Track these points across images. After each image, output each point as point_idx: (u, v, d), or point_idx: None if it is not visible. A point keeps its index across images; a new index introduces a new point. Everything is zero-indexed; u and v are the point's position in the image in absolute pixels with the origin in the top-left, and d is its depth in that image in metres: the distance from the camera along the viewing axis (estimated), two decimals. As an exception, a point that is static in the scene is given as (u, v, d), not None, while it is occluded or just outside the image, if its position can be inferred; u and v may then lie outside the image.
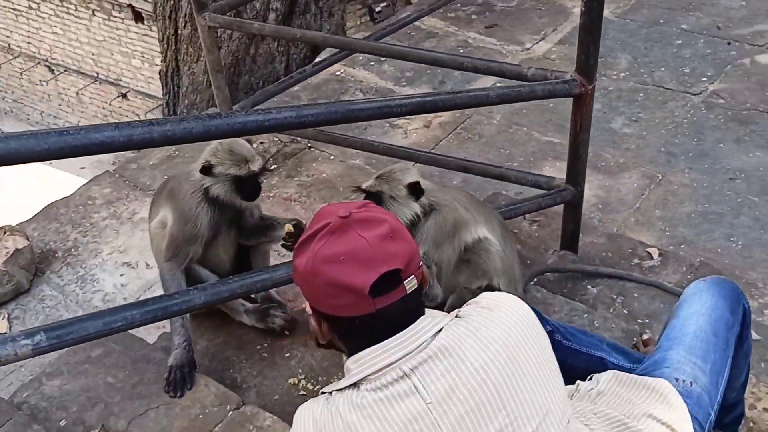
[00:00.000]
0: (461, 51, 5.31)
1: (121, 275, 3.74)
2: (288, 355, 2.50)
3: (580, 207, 3.17)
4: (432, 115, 4.73)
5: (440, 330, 1.50)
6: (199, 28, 3.85)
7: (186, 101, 5.82)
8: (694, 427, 1.78)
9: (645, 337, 2.71)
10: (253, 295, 2.66)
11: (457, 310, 1.61)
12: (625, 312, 3.02)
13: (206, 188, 2.46)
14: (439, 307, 2.41)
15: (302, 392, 2.39)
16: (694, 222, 3.79)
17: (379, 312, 1.45)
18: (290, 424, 2.27)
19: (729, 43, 5.03)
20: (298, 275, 1.54)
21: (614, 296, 3.08)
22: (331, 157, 4.46)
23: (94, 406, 2.33)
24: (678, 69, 4.88)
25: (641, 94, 4.72)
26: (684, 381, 1.83)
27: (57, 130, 1.38)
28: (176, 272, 2.47)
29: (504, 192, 3.81)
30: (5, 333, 3.35)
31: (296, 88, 4.79)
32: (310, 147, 4.53)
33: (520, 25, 5.57)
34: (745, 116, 4.41)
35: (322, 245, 1.48)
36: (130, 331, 2.46)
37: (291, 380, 2.41)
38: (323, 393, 1.60)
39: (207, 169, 2.43)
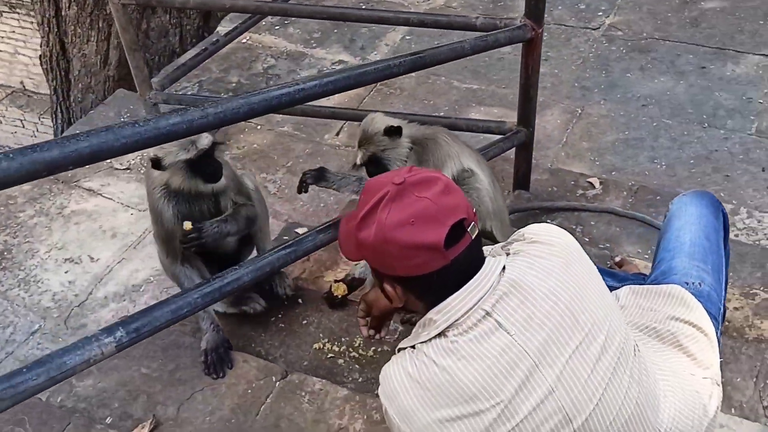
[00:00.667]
0: (363, 6, 5.31)
1: (66, 272, 3.58)
2: (305, 322, 2.52)
3: (531, 147, 3.31)
4: (350, 73, 4.73)
5: (504, 268, 1.60)
6: (112, 7, 3.66)
7: (80, 85, 5.52)
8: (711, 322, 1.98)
9: (617, 259, 2.92)
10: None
11: (503, 247, 1.72)
12: (587, 240, 3.21)
13: (167, 182, 2.36)
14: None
15: (330, 355, 2.42)
16: (619, 149, 4.03)
17: (453, 262, 1.54)
18: (338, 384, 2.32)
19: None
20: (367, 248, 1.60)
21: (573, 227, 3.26)
22: (258, 127, 4.40)
23: (136, 398, 2.27)
24: (574, 6, 5.10)
25: (545, 34, 4.89)
26: (693, 283, 2.01)
27: (128, 122, 1.32)
28: (177, 267, 2.42)
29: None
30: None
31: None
32: (233, 119, 4.43)
33: (416, -25, 5.63)
34: (643, 45, 4.69)
35: (387, 214, 1.54)
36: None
37: (315, 345, 2.43)
38: (402, 349, 1.67)
39: (156, 163, 2.30)
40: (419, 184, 1.56)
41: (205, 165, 2.31)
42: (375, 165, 2.40)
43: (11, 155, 1.26)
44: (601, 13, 5.02)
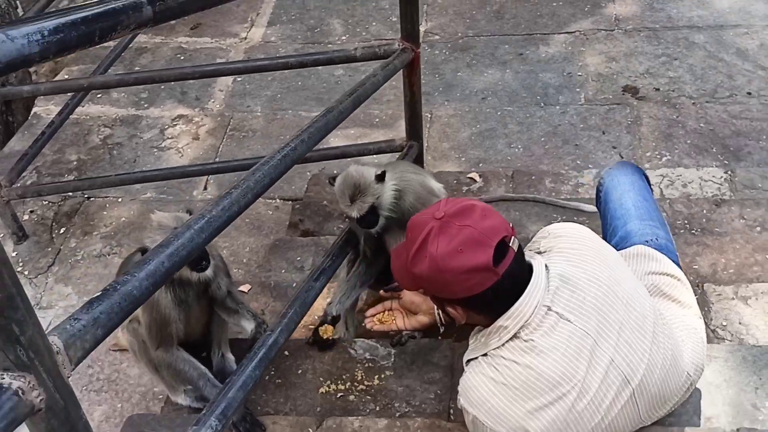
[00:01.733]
0: (182, 58, 5.21)
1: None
2: (300, 371, 2.48)
3: (423, 158, 3.48)
4: (196, 125, 4.65)
5: (546, 267, 1.77)
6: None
7: None
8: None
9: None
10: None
11: (531, 247, 1.88)
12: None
13: None
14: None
15: (339, 394, 2.41)
16: (477, 142, 4.32)
17: (504, 275, 1.68)
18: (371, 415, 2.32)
19: (413, -13, 5.62)
20: (423, 279, 1.74)
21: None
22: (119, 200, 4.18)
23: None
24: (387, 20, 5.36)
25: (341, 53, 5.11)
26: (652, 240, 2.28)
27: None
28: (174, 353, 2.30)
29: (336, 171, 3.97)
30: None
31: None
32: (88, 198, 4.19)
33: (223, 17, 5.59)
34: (462, 44, 5.04)
35: (437, 247, 1.68)
36: None
37: (321, 390, 2.41)
38: (472, 360, 1.80)
39: (145, 253, 2.23)
40: (459, 215, 1.69)
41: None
42: (370, 215, 2.43)
43: None
44: (413, 22, 5.30)
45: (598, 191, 2.52)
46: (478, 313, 1.78)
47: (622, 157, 4.06)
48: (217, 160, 4.40)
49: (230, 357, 2.57)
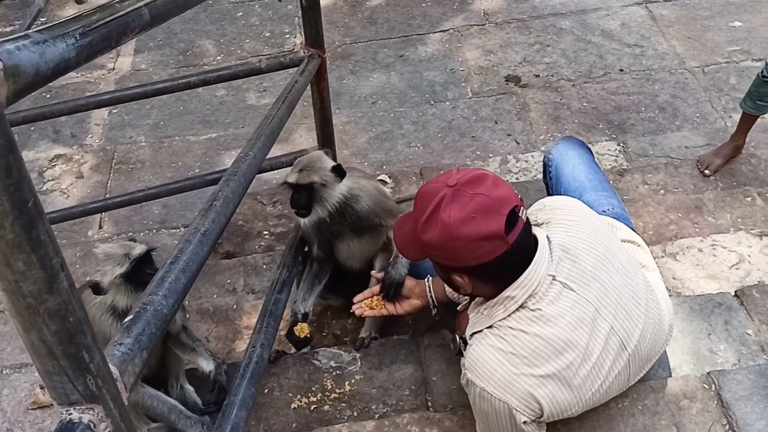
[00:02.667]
0: (47, 96, 4.85)
1: None
2: (266, 390, 2.34)
3: (336, 164, 3.43)
4: (77, 163, 4.36)
5: (548, 238, 1.79)
6: None
7: None
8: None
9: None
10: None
11: (529, 217, 1.89)
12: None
13: (112, 304, 2.10)
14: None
15: (313, 406, 2.30)
16: (376, 145, 4.32)
17: (513, 245, 1.67)
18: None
19: (280, 1, 5.58)
20: (433, 247, 1.71)
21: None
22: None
23: None
24: (260, 36, 5.27)
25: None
26: (608, 210, 2.35)
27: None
28: (139, 390, 2.10)
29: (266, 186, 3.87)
30: None
31: None
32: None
33: (84, 50, 5.29)
34: (341, 52, 5.04)
35: (449, 213, 1.65)
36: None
37: (292, 406, 2.29)
38: (476, 333, 1.78)
39: (96, 288, 2.06)
40: (471, 183, 1.66)
41: (145, 275, 2.05)
42: (305, 194, 2.35)
43: None
44: (288, 35, 5.25)
45: (547, 166, 2.57)
46: (485, 283, 1.76)
47: (519, 143, 4.19)
48: (107, 195, 4.14)
49: (189, 388, 2.41)
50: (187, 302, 2.93)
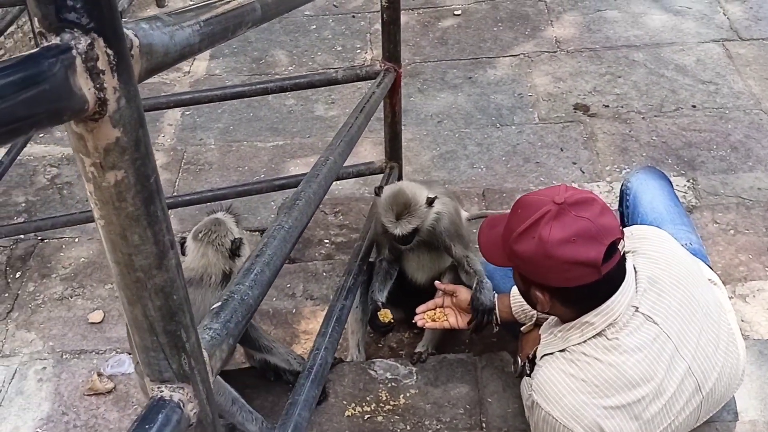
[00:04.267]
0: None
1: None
2: (322, 395, 2.36)
3: (402, 179, 3.44)
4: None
5: (634, 268, 1.76)
6: None
7: None
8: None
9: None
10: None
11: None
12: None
13: (226, 276, 2.19)
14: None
15: (367, 416, 2.31)
16: (439, 164, 4.33)
17: (604, 276, 1.65)
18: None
19: (353, 16, 5.65)
20: (522, 259, 1.71)
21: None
22: (75, 240, 3.94)
23: None
24: (332, 49, 5.34)
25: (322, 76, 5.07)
26: (687, 244, 2.30)
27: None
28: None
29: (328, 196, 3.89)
30: None
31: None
32: (42, 240, 3.93)
33: (160, 52, 5.43)
34: (411, 70, 5.07)
35: (550, 231, 1.64)
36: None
37: (346, 413, 2.29)
38: (547, 355, 1.75)
39: (239, 248, 2.17)
40: (578, 205, 1.65)
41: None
42: (412, 236, 2.37)
43: None
44: (359, 50, 5.31)
45: (625, 194, 2.54)
46: (565, 305, 1.75)
47: (584, 173, 4.15)
48: (174, 194, 4.23)
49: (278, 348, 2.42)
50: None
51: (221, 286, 2.13)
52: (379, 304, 2.48)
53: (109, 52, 0.71)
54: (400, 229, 2.32)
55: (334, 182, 3.68)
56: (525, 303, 2.15)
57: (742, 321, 2.78)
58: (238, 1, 1.09)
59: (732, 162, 4.14)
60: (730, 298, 2.86)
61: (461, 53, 5.17)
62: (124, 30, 0.77)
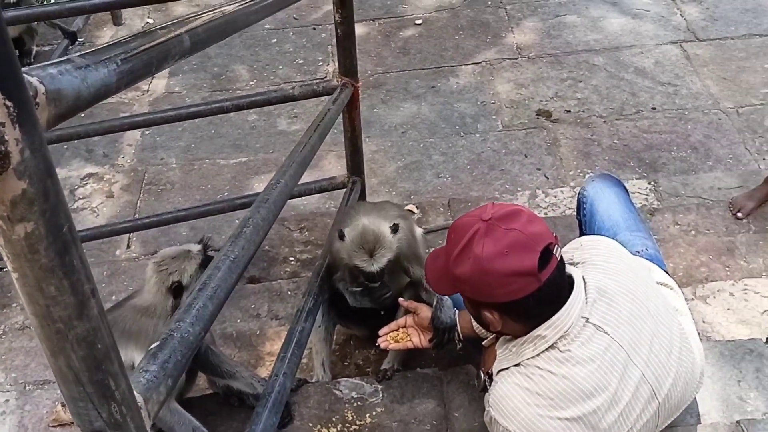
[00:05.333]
0: (82, 115, 4.94)
1: None
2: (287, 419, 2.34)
3: (365, 194, 3.43)
4: (108, 183, 4.42)
5: (584, 279, 1.76)
6: None
7: None
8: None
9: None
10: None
11: (565, 258, 1.86)
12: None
13: (171, 310, 2.13)
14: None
15: None
16: (405, 175, 4.32)
17: (546, 283, 1.65)
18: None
19: (314, 28, 5.63)
20: (465, 282, 1.70)
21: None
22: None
23: None
24: (293, 62, 5.32)
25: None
26: (641, 251, 2.31)
27: None
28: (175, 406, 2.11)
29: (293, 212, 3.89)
30: None
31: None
32: (1, 269, 3.86)
33: (120, 71, 5.37)
34: (373, 81, 5.06)
35: (482, 248, 1.64)
36: None
37: (317, 434, 2.28)
38: (503, 370, 1.76)
39: (179, 289, 2.12)
40: (505, 218, 1.65)
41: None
42: (383, 271, 2.35)
43: None
44: (321, 63, 5.29)
45: (581, 202, 2.54)
46: (516, 321, 1.74)
47: (548, 178, 4.16)
48: (136, 216, 4.18)
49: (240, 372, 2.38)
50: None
51: (171, 316, 2.10)
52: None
53: (8, 103, 0.68)
54: (376, 265, 2.31)
55: (299, 198, 3.68)
56: None
57: (704, 322, 2.80)
58: (162, 34, 1.06)
59: (692, 162, 4.18)
60: (691, 299, 2.88)
61: (423, 63, 5.17)
62: (28, 78, 0.74)
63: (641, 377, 1.75)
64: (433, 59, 5.18)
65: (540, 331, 1.72)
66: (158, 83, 5.23)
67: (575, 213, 2.75)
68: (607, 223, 2.42)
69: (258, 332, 2.90)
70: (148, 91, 5.16)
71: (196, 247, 2.23)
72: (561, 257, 1.72)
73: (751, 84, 4.68)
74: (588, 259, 1.88)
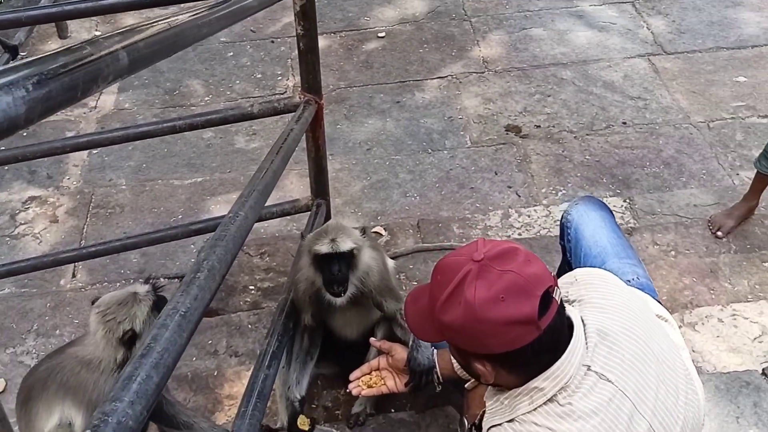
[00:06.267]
0: (24, 134, 4.65)
1: None
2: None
3: (330, 216, 3.21)
4: (52, 206, 4.12)
5: (582, 320, 1.57)
6: None
7: None
8: None
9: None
10: None
11: (561, 295, 1.66)
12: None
13: (119, 363, 1.88)
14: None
15: None
16: (370, 195, 4.11)
17: (546, 330, 1.46)
18: None
19: (273, 41, 5.40)
20: (453, 330, 1.50)
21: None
22: (-30, 301, 3.57)
23: None
24: (251, 77, 5.08)
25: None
26: (632, 280, 2.14)
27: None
28: None
29: (253, 236, 3.63)
30: None
31: None
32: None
33: (66, 86, 5.08)
34: (336, 96, 4.85)
35: (474, 292, 1.44)
36: None
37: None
38: (494, 426, 1.57)
39: (133, 339, 1.90)
40: (499, 258, 1.45)
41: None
42: (344, 265, 2.15)
43: None
44: (280, 77, 5.07)
45: (565, 227, 2.36)
46: (510, 372, 1.53)
47: (520, 197, 4.00)
48: (83, 242, 3.90)
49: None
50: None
51: (117, 370, 1.86)
52: (296, 405, 2.23)
53: None
54: (336, 245, 2.09)
55: (260, 222, 3.44)
56: None
57: (693, 351, 2.64)
58: (92, 51, 0.84)
59: (666, 179, 4.05)
60: (679, 326, 2.72)
61: (387, 77, 4.98)
62: None
63: (648, 429, 1.56)
64: (398, 73, 5.00)
65: (537, 382, 1.51)
66: (107, 99, 4.94)
67: (557, 237, 2.57)
68: (593, 249, 2.24)
69: (216, 372, 2.66)
70: (95, 107, 4.88)
71: (143, 288, 1.99)
72: (561, 301, 1.52)
73: (720, 97, 4.59)
74: (585, 296, 1.68)
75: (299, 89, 2.90)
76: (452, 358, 2.01)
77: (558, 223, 3.54)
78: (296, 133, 2.45)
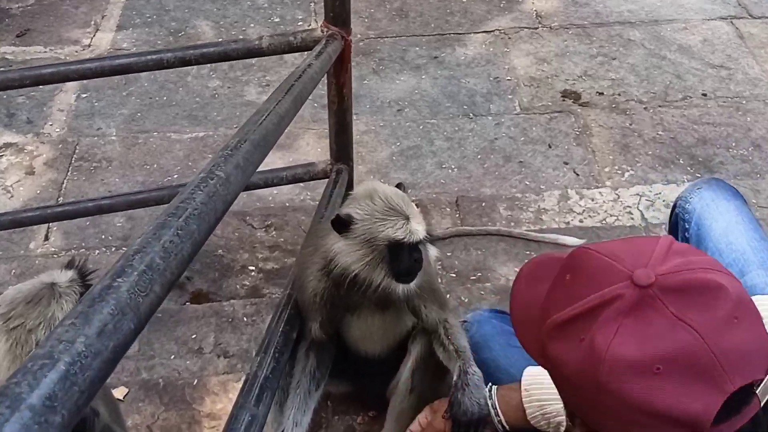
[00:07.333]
0: (1, 69, 4.04)
1: None
2: None
3: (352, 186, 2.59)
4: (29, 156, 3.53)
5: None
6: None
7: None
8: None
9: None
10: None
11: None
12: (454, 274, 2.59)
13: None
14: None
15: None
16: (400, 163, 3.48)
17: None
18: None
19: (296, -17, 4.74)
20: (562, 376, 0.91)
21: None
22: None
23: None
24: (268, 20, 4.43)
25: (253, 60, 4.16)
26: (791, 301, 1.50)
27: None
28: None
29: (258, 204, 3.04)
30: None
31: None
32: None
33: (58, 21, 4.44)
34: (364, 47, 4.20)
35: (613, 339, 0.84)
36: None
37: None
38: None
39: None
40: (683, 293, 0.81)
41: None
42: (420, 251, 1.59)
43: None
44: (301, 22, 4.41)
45: (682, 219, 1.72)
46: None
47: (579, 175, 3.34)
48: (60, 200, 3.30)
49: None
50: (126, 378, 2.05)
51: None
52: None
53: None
54: (420, 228, 1.54)
55: (267, 188, 2.83)
56: (548, 403, 1.32)
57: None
58: None
59: (756, 163, 3.39)
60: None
61: (425, 28, 4.31)
62: None
63: None
64: (437, 24, 4.33)
65: None
66: (103, 37, 4.31)
67: (629, 227, 1.96)
68: (727, 254, 1.59)
69: (196, 381, 2.05)
70: (89, 45, 4.24)
71: (64, 277, 1.37)
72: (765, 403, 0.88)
73: (816, 71, 3.90)
74: None
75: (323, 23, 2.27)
76: (526, 399, 1.39)
77: (628, 209, 2.91)
78: (315, 71, 1.82)
